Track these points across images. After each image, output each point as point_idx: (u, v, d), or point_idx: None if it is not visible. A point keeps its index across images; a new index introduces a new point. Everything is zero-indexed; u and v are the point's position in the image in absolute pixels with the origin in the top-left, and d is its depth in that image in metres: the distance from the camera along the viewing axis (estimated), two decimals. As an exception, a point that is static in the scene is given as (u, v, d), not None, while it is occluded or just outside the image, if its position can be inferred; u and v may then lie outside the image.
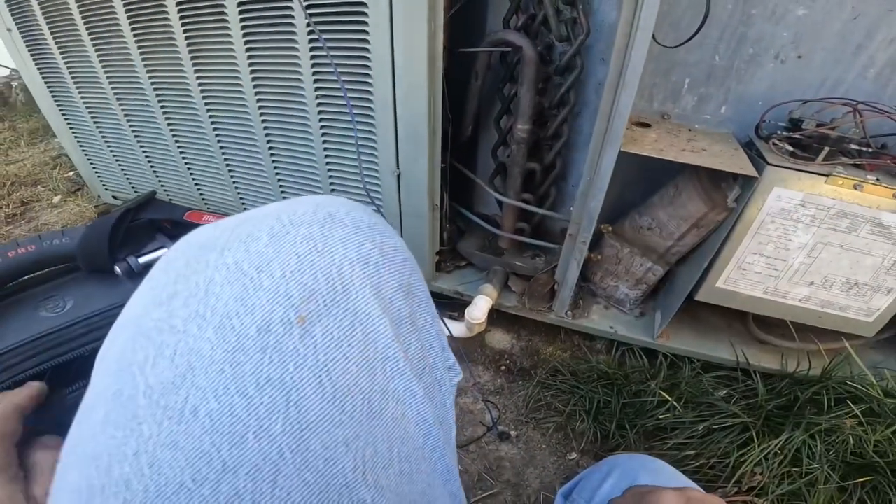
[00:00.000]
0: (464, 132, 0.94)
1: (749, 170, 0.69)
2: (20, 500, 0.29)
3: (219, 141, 1.03)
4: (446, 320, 0.97)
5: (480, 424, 0.92)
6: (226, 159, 1.06)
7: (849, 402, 0.78)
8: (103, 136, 1.23)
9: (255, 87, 0.89)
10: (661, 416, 0.85)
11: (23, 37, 1.12)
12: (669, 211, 0.84)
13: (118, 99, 1.10)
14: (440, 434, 0.30)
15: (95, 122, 1.21)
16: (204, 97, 0.97)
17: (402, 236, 0.95)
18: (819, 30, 0.75)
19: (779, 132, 0.75)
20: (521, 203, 0.93)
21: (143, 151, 1.19)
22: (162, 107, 1.05)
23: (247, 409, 0.21)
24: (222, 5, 0.80)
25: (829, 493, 0.73)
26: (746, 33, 0.78)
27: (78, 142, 1.31)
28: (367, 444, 0.24)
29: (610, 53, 0.67)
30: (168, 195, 1.27)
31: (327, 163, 0.92)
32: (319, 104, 0.84)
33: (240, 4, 0.79)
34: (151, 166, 1.22)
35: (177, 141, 1.11)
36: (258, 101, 0.90)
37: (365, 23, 0.71)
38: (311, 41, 0.77)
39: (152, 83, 1.02)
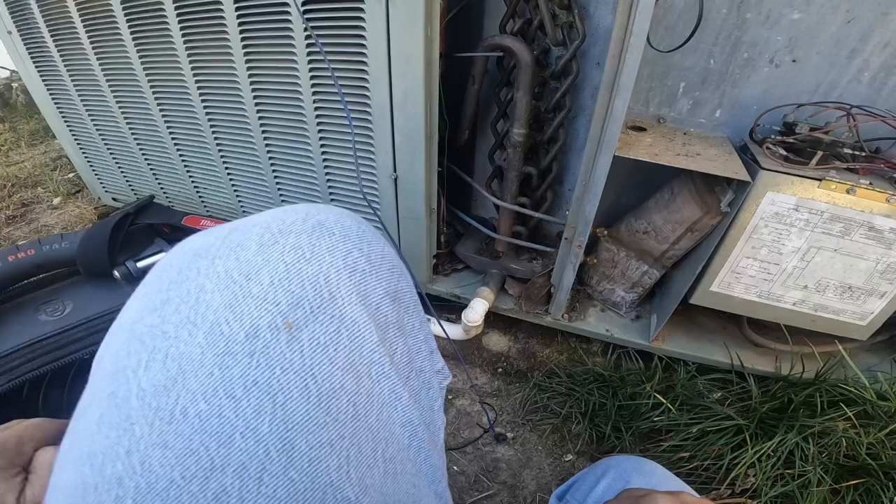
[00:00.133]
0: (461, 136, 0.95)
1: (742, 174, 0.69)
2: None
3: (218, 145, 1.04)
4: (443, 323, 0.97)
5: (477, 426, 0.93)
6: (224, 163, 1.07)
7: (842, 405, 0.78)
8: (103, 139, 1.24)
9: (253, 91, 0.89)
10: (656, 419, 0.86)
11: (23, 40, 1.12)
12: (665, 215, 0.85)
13: (118, 102, 1.11)
14: (425, 436, 0.31)
15: (95, 126, 1.21)
16: (203, 102, 0.98)
17: (399, 239, 0.96)
18: (813, 34, 0.75)
19: (773, 136, 0.76)
20: (517, 207, 0.94)
21: (143, 155, 1.20)
22: (161, 111, 1.06)
23: (234, 410, 0.22)
24: (220, 10, 0.81)
25: (821, 496, 0.74)
26: (741, 37, 0.78)
27: (78, 144, 1.31)
28: (351, 445, 0.25)
29: (605, 58, 0.67)
30: (168, 198, 1.27)
31: (325, 167, 0.92)
32: (317, 109, 0.85)
33: (238, 9, 0.79)
34: (151, 169, 1.22)
35: (176, 145, 1.11)
36: (256, 105, 0.91)
37: (362, 27, 0.72)
38: (308, 45, 0.78)
39: (151, 87, 1.02)
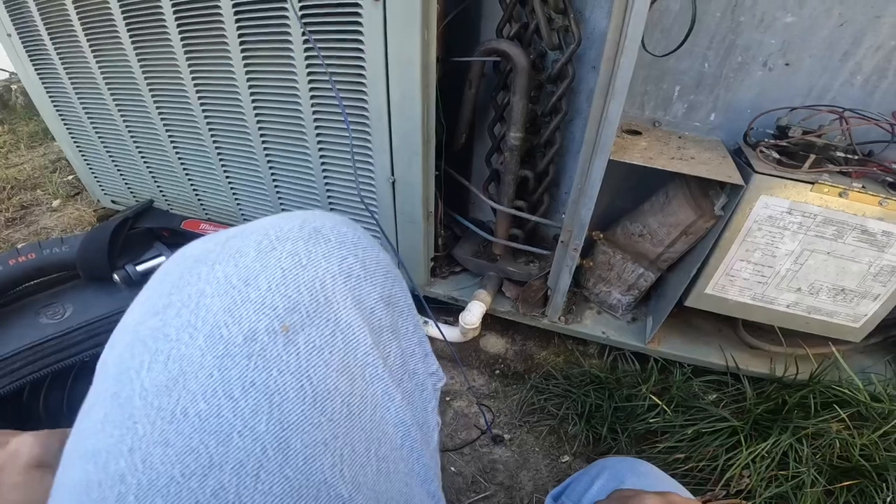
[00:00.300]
0: (458, 139, 0.96)
1: (735, 178, 0.70)
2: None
3: (216, 148, 1.04)
4: (441, 325, 0.98)
5: (475, 427, 0.94)
6: (224, 167, 1.07)
7: (836, 407, 0.79)
8: (102, 143, 1.24)
9: (251, 94, 0.90)
10: (651, 420, 0.86)
11: (22, 42, 1.12)
12: (660, 218, 0.85)
13: (117, 105, 1.11)
14: (418, 436, 0.32)
15: (94, 128, 1.22)
16: (202, 105, 0.98)
17: (397, 242, 0.97)
18: (806, 37, 0.76)
19: (766, 139, 0.76)
20: (514, 210, 0.94)
21: (142, 158, 1.20)
22: (160, 114, 1.06)
23: (233, 410, 0.23)
24: (218, 13, 0.81)
25: (815, 497, 0.74)
26: (735, 41, 0.79)
27: (77, 147, 1.32)
28: (345, 444, 0.26)
29: (601, 62, 0.68)
30: (167, 201, 1.28)
31: (323, 170, 0.93)
32: (315, 113, 0.85)
33: (236, 13, 0.80)
34: (150, 172, 1.23)
35: (175, 148, 1.12)
36: (255, 108, 0.91)
37: (359, 32, 0.72)
38: (306, 50, 0.78)
39: (150, 90, 1.03)
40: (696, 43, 0.80)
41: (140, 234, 0.78)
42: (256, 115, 0.92)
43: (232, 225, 0.30)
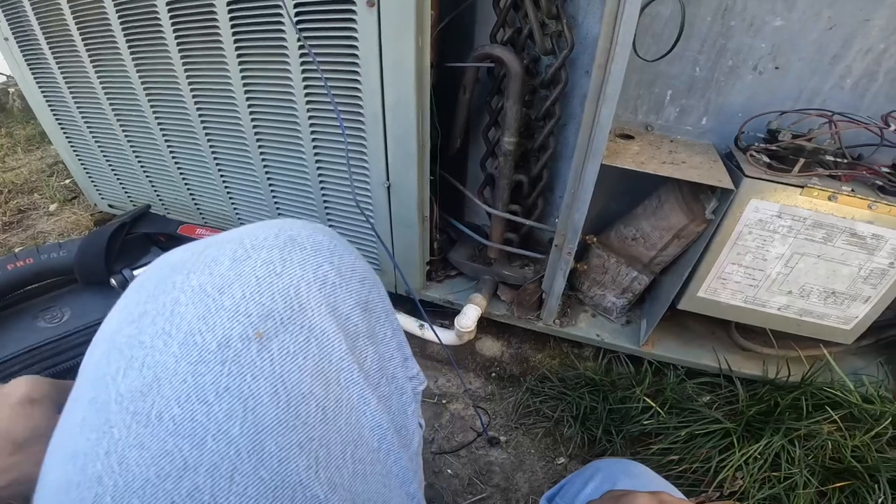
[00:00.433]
0: (453, 144, 0.96)
1: (725, 182, 0.71)
2: None
3: (213, 153, 1.05)
4: (437, 328, 0.98)
5: (471, 430, 0.94)
6: (220, 171, 1.08)
7: (828, 408, 0.80)
8: (99, 147, 1.25)
9: (248, 100, 0.90)
10: (645, 422, 0.87)
11: (20, 46, 1.13)
12: (652, 222, 0.86)
13: (114, 110, 1.12)
14: (395, 439, 0.33)
15: (91, 133, 1.22)
16: (198, 110, 0.99)
17: (392, 246, 0.98)
18: (796, 41, 0.76)
19: (756, 143, 0.77)
20: (508, 214, 0.95)
21: (139, 162, 1.21)
22: (157, 119, 1.07)
23: (206, 414, 0.23)
24: (215, 20, 0.82)
25: (808, 498, 0.75)
26: (726, 45, 0.79)
27: (74, 151, 1.32)
28: (320, 447, 0.26)
29: (593, 67, 0.68)
30: (164, 206, 1.28)
31: (319, 175, 0.94)
32: (311, 118, 0.86)
33: (232, 19, 0.81)
34: (147, 177, 1.23)
35: (172, 153, 1.12)
36: (251, 114, 0.92)
37: (354, 38, 0.73)
38: (301, 55, 0.79)
39: (147, 96, 1.03)
40: (688, 47, 0.80)
41: (137, 239, 0.79)
42: (252, 120, 0.93)
43: (228, 230, 0.31)
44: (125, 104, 1.09)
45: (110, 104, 1.11)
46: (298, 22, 0.75)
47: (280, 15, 0.76)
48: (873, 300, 0.77)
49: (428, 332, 1.02)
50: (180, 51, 0.91)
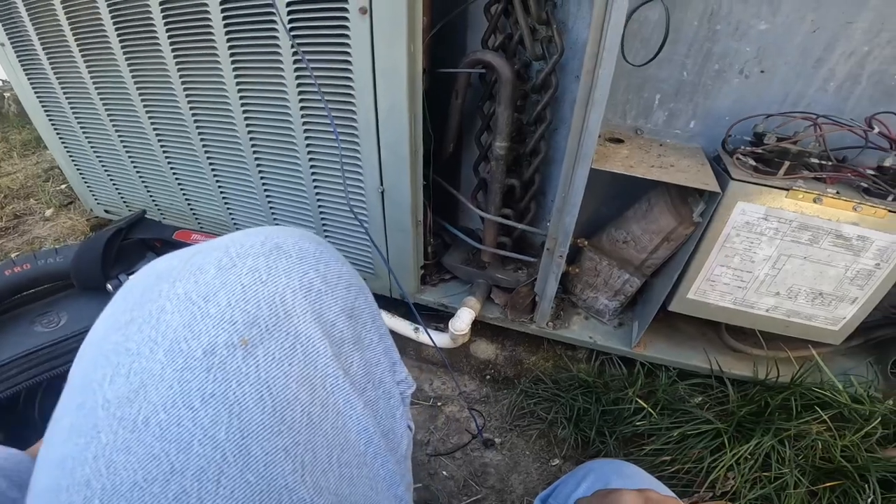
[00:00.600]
0: (446, 149, 0.97)
1: (712, 185, 0.72)
2: None
3: (208, 159, 1.06)
4: (431, 332, 0.99)
5: (466, 432, 0.95)
6: (215, 177, 1.08)
7: (817, 409, 0.80)
8: (95, 152, 1.25)
9: (242, 106, 0.91)
10: (638, 423, 0.88)
11: (15, 51, 1.14)
12: (643, 225, 0.87)
13: (109, 115, 1.13)
14: (382, 443, 0.33)
15: (87, 138, 1.23)
16: (193, 116, 0.99)
17: (387, 251, 0.98)
18: (780, 44, 0.77)
19: (743, 147, 0.78)
20: (500, 218, 0.96)
21: (135, 168, 1.21)
22: (152, 125, 1.08)
23: (192, 419, 0.24)
24: (209, 27, 0.83)
25: (799, 498, 0.75)
26: (712, 49, 0.80)
27: (70, 156, 1.32)
28: (306, 451, 0.27)
29: (583, 72, 0.69)
30: (160, 211, 1.29)
31: (314, 180, 0.94)
32: (305, 124, 0.87)
33: (226, 26, 0.81)
34: (143, 182, 1.24)
35: (167, 158, 1.13)
36: (246, 119, 0.93)
37: (347, 44, 0.74)
38: (295, 62, 0.80)
39: (142, 101, 1.04)
40: (675, 51, 0.82)
41: (133, 245, 0.79)
42: (247, 126, 0.94)
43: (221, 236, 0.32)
44: (121, 109, 1.10)
45: (106, 109, 1.12)
46: (292, 29, 0.76)
47: (274, 22, 0.77)
48: (860, 301, 0.78)
49: (422, 336, 1.02)
50: (175, 56, 0.91)
